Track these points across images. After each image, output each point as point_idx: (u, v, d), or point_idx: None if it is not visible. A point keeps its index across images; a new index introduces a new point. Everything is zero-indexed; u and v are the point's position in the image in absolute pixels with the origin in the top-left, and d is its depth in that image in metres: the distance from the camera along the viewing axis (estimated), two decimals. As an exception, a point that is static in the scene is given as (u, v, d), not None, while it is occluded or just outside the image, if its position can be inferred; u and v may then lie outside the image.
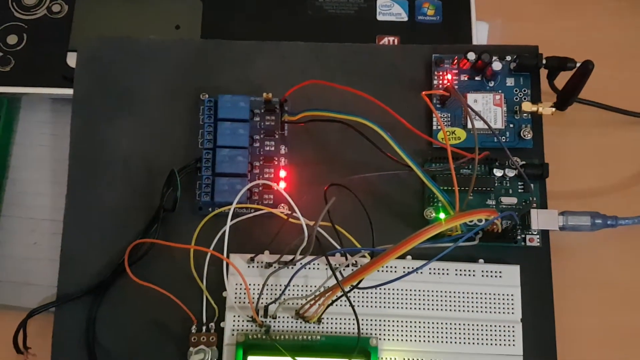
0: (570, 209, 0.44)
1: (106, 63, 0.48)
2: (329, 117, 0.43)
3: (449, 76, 0.47)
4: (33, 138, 0.50)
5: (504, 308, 0.43)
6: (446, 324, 0.42)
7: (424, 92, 0.44)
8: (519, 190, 0.45)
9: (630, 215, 0.45)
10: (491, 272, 0.43)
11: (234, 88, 0.47)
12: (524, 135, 0.46)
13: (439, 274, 0.43)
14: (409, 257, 0.43)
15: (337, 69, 0.48)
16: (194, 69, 0.48)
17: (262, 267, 0.43)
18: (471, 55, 0.46)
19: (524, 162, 0.45)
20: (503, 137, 0.46)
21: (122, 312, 0.44)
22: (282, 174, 0.45)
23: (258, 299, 0.42)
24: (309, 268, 0.43)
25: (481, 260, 0.44)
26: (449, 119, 0.47)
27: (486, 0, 0.52)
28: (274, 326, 0.42)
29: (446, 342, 0.42)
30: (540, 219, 0.43)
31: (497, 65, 0.45)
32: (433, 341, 0.42)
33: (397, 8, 0.51)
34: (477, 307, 0.43)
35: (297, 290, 0.43)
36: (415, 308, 0.42)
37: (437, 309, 0.42)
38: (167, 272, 0.44)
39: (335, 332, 0.42)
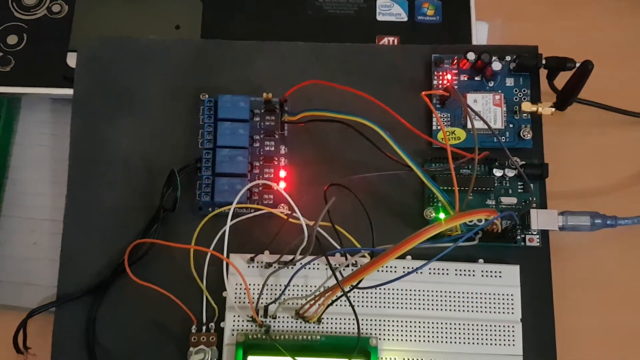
0: (569, 209, 0.44)
1: (106, 63, 0.48)
2: (329, 117, 0.43)
3: (449, 76, 0.47)
4: (33, 138, 0.50)
5: (503, 308, 0.43)
6: (446, 324, 0.42)
7: (423, 92, 0.44)
8: (519, 190, 0.45)
9: (629, 215, 0.45)
10: (491, 272, 0.43)
11: (234, 88, 0.47)
12: (524, 135, 0.46)
13: (438, 274, 0.43)
14: (408, 257, 0.43)
15: (337, 69, 0.48)
16: (194, 69, 0.48)
17: (262, 267, 0.43)
18: (471, 56, 0.46)
19: (523, 162, 0.45)
20: (503, 137, 0.46)
21: (122, 312, 0.44)
22: (282, 174, 0.45)
23: (258, 299, 0.42)
24: (309, 268, 0.43)
25: (481, 260, 0.44)
26: (449, 119, 0.47)
27: (486, 0, 0.52)
28: (274, 326, 0.42)
29: (446, 342, 0.42)
30: (539, 219, 0.43)
31: (496, 65, 0.46)
32: (433, 341, 0.42)
33: (396, 8, 0.51)
34: (476, 307, 0.43)
35: (297, 290, 0.43)
36: (415, 308, 0.42)
37: (437, 309, 0.43)
38: (167, 272, 0.44)
39: (335, 332, 0.42)
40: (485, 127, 0.45)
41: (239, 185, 0.44)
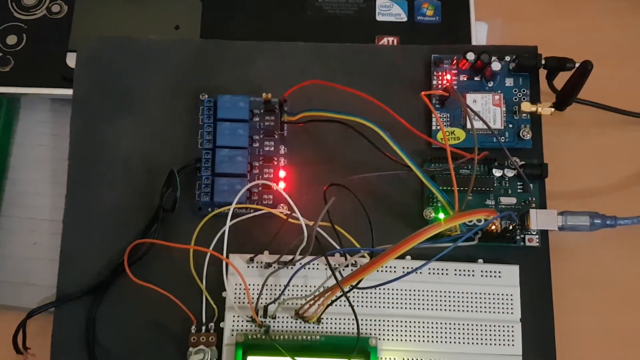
0: (569, 209, 0.44)
1: (106, 63, 0.48)
2: (329, 117, 0.44)
3: (448, 76, 0.47)
4: (33, 138, 0.50)
5: (503, 308, 0.43)
6: (445, 324, 0.42)
7: (423, 93, 0.44)
8: (518, 190, 0.45)
9: (629, 215, 0.45)
10: (490, 272, 0.43)
11: (234, 88, 0.47)
12: (523, 136, 0.46)
13: (438, 274, 0.43)
14: (408, 257, 0.43)
15: (337, 69, 0.48)
16: (193, 69, 0.48)
17: (261, 267, 0.43)
18: (470, 56, 0.46)
19: (523, 162, 0.45)
20: (502, 137, 0.46)
21: (121, 312, 0.44)
22: (282, 174, 0.45)
23: (257, 299, 0.42)
24: (309, 268, 0.43)
25: (480, 260, 0.44)
26: (448, 119, 0.47)
27: (485, 1, 0.52)
28: (274, 326, 0.42)
29: (445, 342, 0.42)
30: (539, 219, 0.43)
31: (496, 66, 0.46)
32: (432, 341, 0.42)
33: (396, 8, 0.51)
34: (476, 307, 0.43)
35: (297, 290, 0.43)
36: (414, 308, 0.43)
37: (436, 309, 0.43)
38: (167, 272, 0.44)
39: (335, 332, 0.42)
40: (485, 127, 0.45)
41: (239, 185, 0.44)
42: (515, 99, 0.47)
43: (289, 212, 0.43)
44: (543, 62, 0.46)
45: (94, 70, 0.48)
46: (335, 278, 0.38)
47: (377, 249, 0.39)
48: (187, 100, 0.47)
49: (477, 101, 0.46)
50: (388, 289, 0.43)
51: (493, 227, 0.43)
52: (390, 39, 0.51)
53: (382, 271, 0.43)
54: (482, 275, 0.43)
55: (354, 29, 0.51)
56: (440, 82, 0.47)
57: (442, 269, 0.43)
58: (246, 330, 0.42)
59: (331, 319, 0.42)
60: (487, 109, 0.46)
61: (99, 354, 0.43)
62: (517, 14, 0.54)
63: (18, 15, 0.51)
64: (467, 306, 0.43)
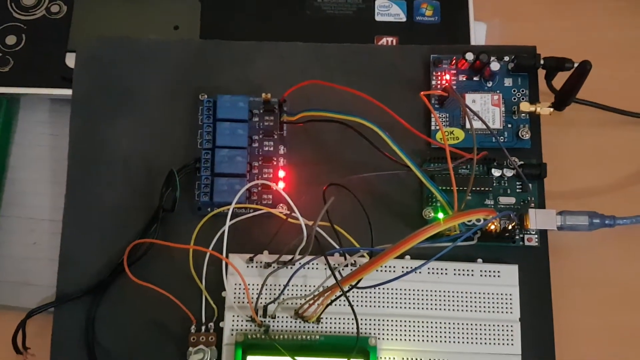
0: (568, 208, 0.44)
1: (105, 63, 0.48)
2: (328, 117, 0.44)
3: (447, 76, 0.47)
4: (32, 138, 0.50)
5: (502, 307, 0.43)
6: (445, 323, 0.42)
7: (422, 93, 0.44)
8: (517, 190, 0.46)
9: (628, 214, 0.45)
10: (490, 271, 0.43)
11: (233, 88, 0.47)
12: (522, 135, 0.46)
13: (437, 273, 0.43)
14: (407, 256, 0.43)
15: (336, 69, 0.48)
16: (193, 69, 0.48)
17: (261, 267, 0.43)
18: (469, 56, 0.46)
19: (522, 162, 0.45)
20: (501, 137, 0.46)
21: (121, 312, 0.44)
22: (281, 174, 0.45)
23: (257, 298, 0.42)
24: (308, 268, 0.43)
25: (480, 260, 0.44)
26: (448, 119, 0.47)
27: (484, 1, 0.52)
28: (273, 326, 0.42)
29: (445, 341, 0.42)
30: (538, 219, 0.43)
31: (495, 66, 0.46)
32: (432, 341, 0.42)
33: (395, 8, 0.51)
34: (475, 306, 0.43)
35: (296, 290, 0.43)
36: (414, 308, 0.43)
37: (435, 309, 0.43)
38: (167, 272, 0.44)
39: (334, 332, 0.42)
40: (484, 127, 0.45)
41: (238, 185, 0.44)
42: (514, 99, 0.47)
43: (288, 212, 0.43)
44: (542, 62, 0.46)
45: (93, 70, 0.48)
46: (335, 278, 0.38)
47: (376, 248, 0.40)
48: (187, 100, 0.47)
49: (476, 101, 0.47)
50: (387, 289, 0.43)
51: (492, 226, 0.43)
52: (389, 39, 0.51)
53: (381, 271, 0.43)
54: (481, 275, 0.43)
55: (353, 29, 0.51)
56: (439, 82, 0.47)
57: (442, 269, 0.43)
58: (246, 330, 0.42)
59: (331, 318, 0.42)
60: (486, 109, 0.46)
61: (98, 353, 0.43)
62: (516, 14, 0.54)
63: (17, 15, 0.51)
64: (467, 306, 0.43)
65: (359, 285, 0.38)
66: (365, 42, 0.50)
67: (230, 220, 0.42)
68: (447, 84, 0.47)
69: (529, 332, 0.43)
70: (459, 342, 0.42)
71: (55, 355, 0.43)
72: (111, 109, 0.47)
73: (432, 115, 0.46)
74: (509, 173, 0.45)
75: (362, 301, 0.43)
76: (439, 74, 0.47)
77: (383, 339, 0.42)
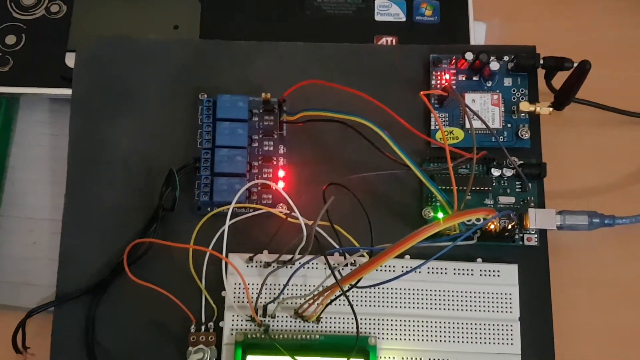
0: (567, 208, 0.44)
1: (105, 63, 0.48)
2: (328, 116, 0.44)
3: (447, 76, 0.47)
4: (32, 138, 0.50)
5: (502, 307, 0.43)
6: (445, 323, 0.42)
7: (422, 92, 0.44)
8: (517, 190, 0.46)
9: (627, 214, 0.45)
10: (489, 271, 0.43)
11: (233, 88, 0.47)
12: (522, 135, 0.46)
13: (437, 273, 0.43)
14: (407, 256, 0.43)
15: (336, 69, 0.48)
16: (193, 69, 0.48)
17: (260, 266, 0.43)
18: (469, 55, 0.46)
19: (521, 162, 0.45)
20: (501, 137, 0.46)
21: (121, 311, 0.44)
22: (281, 173, 0.45)
23: (257, 298, 0.42)
24: (308, 267, 0.43)
25: (479, 260, 0.44)
26: (447, 118, 0.47)
27: (484, 1, 0.52)
28: (273, 325, 0.42)
29: (445, 341, 0.42)
30: (537, 219, 0.43)
31: (494, 65, 0.46)
32: (432, 340, 0.42)
33: (395, 8, 0.51)
34: (475, 306, 0.43)
35: (296, 289, 0.43)
36: (413, 307, 0.43)
37: (435, 308, 0.43)
38: (166, 271, 0.44)
39: (334, 331, 0.42)
40: (484, 126, 0.45)
41: (238, 185, 0.44)
42: (514, 98, 0.47)
43: (288, 212, 0.43)
44: (541, 61, 0.46)
45: (93, 70, 0.48)
46: (335, 277, 0.38)
47: (376, 248, 0.40)
48: (187, 100, 0.47)
49: (476, 101, 0.47)
50: (387, 288, 0.43)
51: (492, 226, 0.43)
52: (389, 38, 0.51)
53: (381, 270, 0.43)
54: (481, 275, 0.43)
55: (352, 29, 0.51)
56: (439, 81, 0.47)
57: (441, 268, 0.43)
58: (245, 330, 0.42)
59: (330, 318, 0.42)
60: (485, 108, 0.46)
61: (98, 353, 0.43)
62: (515, 14, 0.54)
63: (17, 15, 0.51)
64: (466, 305, 0.43)
65: (358, 284, 0.38)
66: (365, 42, 0.50)
67: (230, 219, 0.42)
68: (446, 84, 0.47)
69: (528, 331, 0.43)
70: (458, 341, 0.42)
71: (55, 354, 0.43)
72: (111, 109, 0.47)
73: (432, 115, 0.46)
74: (508, 173, 0.45)
75: (361, 301, 0.43)
76: (439, 73, 0.48)
77: (383, 338, 0.42)
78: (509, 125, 0.47)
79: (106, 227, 0.45)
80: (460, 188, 0.43)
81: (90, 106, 0.47)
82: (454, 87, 0.47)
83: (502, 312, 0.43)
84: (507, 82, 0.47)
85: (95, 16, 0.51)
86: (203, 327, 0.43)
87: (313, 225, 0.37)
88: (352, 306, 0.39)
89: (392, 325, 0.42)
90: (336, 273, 0.38)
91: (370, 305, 0.43)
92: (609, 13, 0.54)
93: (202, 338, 0.42)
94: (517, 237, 0.44)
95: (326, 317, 0.42)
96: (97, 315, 0.44)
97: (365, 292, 0.43)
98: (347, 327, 0.42)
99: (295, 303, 0.42)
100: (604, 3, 0.54)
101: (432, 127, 0.47)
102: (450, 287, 0.43)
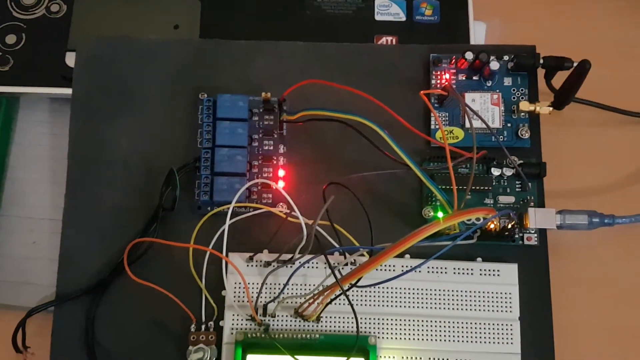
0: (567, 207, 0.44)
1: (105, 63, 0.48)
2: (328, 116, 0.44)
3: (447, 76, 0.47)
4: (32, 138, 0.50)
5: (502, 306, 0.43)
6: (445, 322, 0.42)
7: (422, 92, 0.44)
8: (517, 189, 0.46)
9: (627, 214, 0.45)
10: (489, 270, 0.43)
11: (233, 87, 0.47)
12: (522, 135, 0.46)
13: (437, 272, 0.43)
14: (407, 255, 0.43)
15: (336, 68, 0.48)
16: (193, 69, 0.48)
17: (261, 265, 0.43)
18: (469, 55, 0.46)
19: (521, 161, 0.45)
20: (501, 137, 0.46)
21: (121, 311, 0.44)
22: (281, 173, 0.45)
23: (257, 297, 0.42)
24: (308, 267, 0.43)
25: (479, 259, 0.44)
26: (447, 118, 0.47)
27: (484, 0, 0.52)
28: (273, 325, 0.42)
29: (445, 340, 0.42)
30: (537, 218, 0.43)
31: (494, 65, 0.46)
32: (432, 339, 0.42)
33: (395, 8, 0.51)
34: (475, 305, 0.43)
35: (296, 288, 0.43)
36: (413, 306, 0.43)
37: (435, 308, 0.43)
38: (166, 271, 0.44)
39: (334, 331, 0.42)
40: (484, 126, 0.45)
41: (238, 184, 0.44)
42: (514, 98, 0.47)
43: (288, 211, 0.43)
44: (541, 61, 0.46)
45: (93, 69, 0.48)
46: (335, 276, 0.38)
47: (376, 247, 0.40)
48: (187, 100, 0.47)
49: (476, 100, 0.47)
50: (387, 288, 0.43)
51: (492, 225, 0.43)
52: (389, 38, 0.51)
53: (381, 270, 0.43)
54: (480, 274, 0.43)
55: (352, 28, 0.51)
56: (439, 81, 0.47)
57: (441, 268, 0.43)
58: (246, 329, 0.42)
59: (330, 317, 0.42)
60: (485, 108, 0.46)
61: (98, 352, 0.43)
62: (515, 13, 0.54)
63: (17, 14, 0.51)
64: (466, 304, 0.43)
65: (358, 284, 0.38)
66: (365, 42, 0.50)
67: (230, 219, 0.42)
68: (446, 83, 0.47)
69: (528, 331, 0.43)
70: (458, 341, 0.42)
71: (55, 354, 0.43)
72: (111, 109, 0.47)
73: (432, 115, 0.46)
74: (508, 172, 0.45)
75: (361, 300, 0.43)
76: (439, 73, 0.48)
77: (383, 337, 0.42)
78: (508, 124, 0.47)
79: (106, 227, 0.45)
80: (460, 187, 0.43)
81: (91, 106, 0.47)
82: (454, 86, 0.47)
83: (502, 311, 0.43)
84: (507, 81, 0.47)
85: (96, 16, 0.51)
86: (203, 327, 0.43)
87: (313, 224, 0.37)
88: (352, 305, 0.39)
89: (392, 324, 0.42)
90: (336, 272, 0.38)
91: (370, 305, 0.43)
92: (609, 13, 0.54)
93: (202, 337, 0.42)
94: (517, 236, 0.44)
95: (326, 317, 0.42)
96: (97, 315, 0.44)
97: (365, 291, 0.43)
98: (347, 327, 0.42)
99: (296, 302, 0.42)
100: (604, 3, 0.54)
101: (432, 127, 0.47)
102: (450, 286, 0.43)
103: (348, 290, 0.39)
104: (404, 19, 0.51)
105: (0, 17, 0.50)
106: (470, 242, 0.44)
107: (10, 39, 0.50)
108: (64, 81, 0.48)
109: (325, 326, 0.42)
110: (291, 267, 0.42)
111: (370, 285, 0.40)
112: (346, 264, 0.43)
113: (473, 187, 0.45)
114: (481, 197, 0.45)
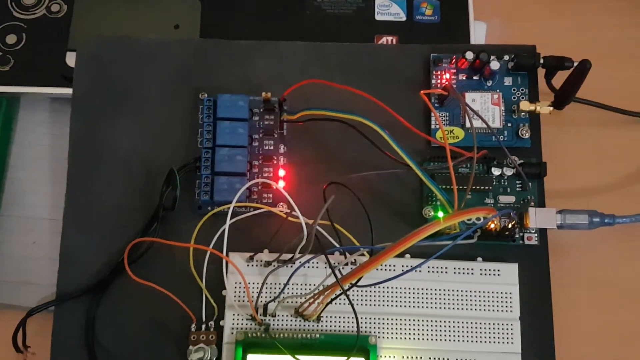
0: (568, 207, 0.44)
1: (105, 63, 0.48)
2: (328, 116, 0.44)
3: (447, 75, 0.47)
4: (32, 137, 0.50)
5: (502, 306, 0.43)
6: (445, 322, 0.42)
7: (422, 91, 0.44)
8: (517, 189, 0.46)
9: (627, 213, 0.45)
10: (489, 270, 0.43)
11: (233, 87, 0.47)
12: (522, 134, 0.46)
13: (437, 272, 0.43)
14: (407, 255, 0.43)
15: (336, 68, 0.48)
16: (193, 69, 0.48)
17: (261, 265, 0.43)
18: (469, 55, 0.46)
19: (521, 161, 0.45)
20: (501, 136, 0.46)
21: (121, 311, 0.44)
22: (281, 172, 0.45)
23: (257, 297, 0.42)
24: (308, 266, 0.43)
25: (479, 259, 0.44)
26: (448, 118, 0.47)
27: (484, 0, 0.52)
28: (273, 324, 0.42)
29: (445, 339, 0.42)
30: (538, 218, 0.43)
31: (495, 65, 0.46)
32: (432, 339, 0.42)
33: (395, 8, 0.51)
34: (475, 305, 0.43)
35: (296, 288, 0.43)
36: (414, 306, 0.43)
37: (435, 307, 0.43)
38: (167, 270, 0.44)
39: (335, 330, 0.42)
40: (484, 126, 0.45)
41: (238, 184, 0.44)
42: (514, 97, 0.47)
43: (288, 211, 0.43)
44: (542, 61, 0.46)
45: (93, 69, 0.48)
46: (335, 276, 0.38)
47: (376, 247, 0.40)
48: (187, 100, 0.47)
49: (476, 100, 0.47)
50: (387, 287, 0.43)
51: (492, 225, 0.43)
52: (389, 38, 0.51)
53: (381, 269, 0.43)
54: (481, 274, 0.43)
55: (353, 28, 0.51)
56: (439, 81, 0.47)
57: (441, 267, 0.43)
58: (246, 329, 0.42)
59: (331, 317, 0.42)
60: (486, 107, 0.46)
61: (98, 352, 0.43)
62: (515, 13, 0.54)
63: (17, 14, 0.51)
64: (466, 304, 0.43)
65: (359, 283, 0.38)
66: (365, 42, 0.50)
67: (231, 219, 0.42)
68: (447, 83, 0.47)
69: (528, 330, 0.43)
70: (459, 340, 0.42)
71: (56, 353, 0.43)
72: (112, 108, 0.47)
73: (432, 114, 0.46)
74: (508, 172, 0.45)
75: (362, 300, 0.43)
76: (439, 73, 0.48)
77: (383, 337, 0.42)
78: (509, 124, 0.47)
79: (106, 227, 0.45)
80: (461, 187, 0.43)
81: (91, 106, 0.47)
82: (454, 86, 0.47)
83: (502, 311, 0.43)
84: (508, 81, 0.47)
85: (96, 16, 0.51)
86: (203, 326, 0.43)
87: (313, 224, 0.37)
88: (352, 305, 0.39)
89: (392, 324, 0.42)
90: (336, 272, 0.38)
91: (370, 304, 0.43)
92: (609, 13, 0.54)
93: (203, 337, 0.42)
94: (517, 236, 0.44)
95: (326, 316, 0.42)
96: (97, 315, 0.44)
97: (366, 291, 0.43)
98: (348, 326, 0.42)
99: (296, 302, 0.42)
100: (604, 3, 0.54)
101: (433, 127, 0.47)
102: (450, 286, 0.43)
103: (348, 289, 0.39)
104: (404, 18, 0.51)
105: (1, 17, 0.50)
106: (471, 242, 0.44)
107: (11, 38, 0.50)
108: (65, 81, 0.48)
109: (326, 326, 0.42)
110: (291, 266, 0.42)
111: (370, 285, 0.40)
112: (346, 264, 0.43)
113: (473, 187, 0.45)
114: (481, 196, 0.45)
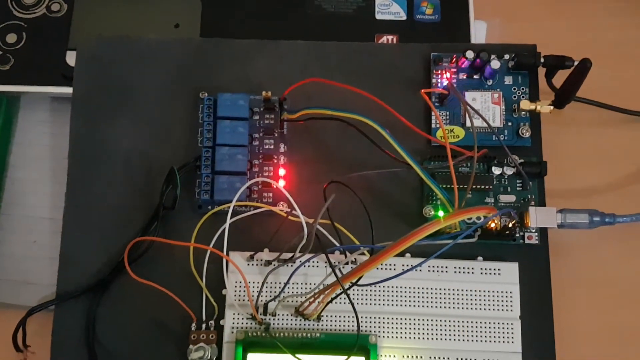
0: (568, 206, 0.44)
1: (105, 62, 0.48)
2: (328, 115, 0.44)
3: (448, 74, 0.47)
4: (32, 137, 0.50)
5: (502, 305, 0.43)
6: (445, 321, 0.42)
7: (423, 90, 0.44)
8: (518, 188, 0.46)
9: (628, 212, 0.45)
10: (490, 269, 0.43)
11: (234, 86, 0.47)
12: (522, 134, 0.46)
13: (438, 271, 0.43)
14: (407, 254, 0.43)
15: (336, 67, 0.48)
16: (193, 68, 0.48)
17: (261, 264, 0.43)
18: (469, 54, 0.46)
19: (522, 160, 0.45)
20: (501, 135, 0.46)
21: (121, 310, 0.44)
22: (282, 172, 0.45)
23: (257, 296, 0.42)
24: (309, 266, 0.43)
25: (480, 258, 0.44)
26: (448, 117, 0.47)
27: (484, 0, 0.52)
28: (274, 323, 0.42)
29: (445, 339, 0.42)
30: (538, 217, 0.43)
31: (495, 64, 0.46)
32: (432, 338, 0.42)
33: (395, 7, 0.51)
34: (476, 304, 0.43)
35: (297, 287, 0.43)
36: (414, 305, 0.43)
37: (436, 306, 0.43)
38: (167, 270, 0.44)
39: (335, 330, 0.42)
40: (484, 125, 0.45)
41: (239, 183, 0.44)
42: (515, 97, 0.47)
43: (288, 210, 0.43)
44: (542, 60, 0.46)
45: (93, 68, 0.48)
46: (336, 275, 0.38)
47: (376, 246, 0.40)
48: (187, 99, 0.47)
49: (477, 99, 0.47)
50: (388, 287, 0.43)
51: (492, 224, 0.43)
52: (390, 37, 0.51)
53: (381, 268, 0.43)
54: (481, 273, 0.43)
55: (353, 27, 0.51)
56: (439, 80, 0.47)
57: (442, 267, 0.43)
58: (246, 328, 0.42)
59: (331, 316, 0.42)
60: (486, 107, 0.46)
61: (99, 351, 0.43)
62: (515, 13, 0.54)
63: (18, 13, 0.51)
64: (467, 303, 0.43)
65: (359, 282, 0.38)
66: (366, 41, 0.50)
67: (231, 218, 0.42)
68: (447, 82, 0.47)
69: (529, 329, 0.43)
70: (459, 339, 0.42)
71: (56, 353, 0.43)
72: (112, 108, 0.47)
73: (433, 113, 0.46)
74: (509, 171, 0.45)
75: (362, 299, 0.43)
76: (439, 72, 0.48)
77: (383, 336, 0.42)
78: (509, 123, 0.47)
79: (107, 226, 0.45)
80: (461, 186, 0.43)
81: (91, 105, 0.47)
82: (455, 85, 0.47)
83: (502, 310, 0.43)
84: (508, 80, 0.47)
85: (96, 15, 0.51)
86: (204, 326, 0.43)
87: (314, 223, 0.37)
88: (352, 304, 0.39)
89: (392, 323, 0.42)
90: (337, 271, 0.38)
91: (371, 304, 0.43)
92: (609, 13, 0.54)
93: (203, 336, 0.42)
94: (517, 235, 0.44)
95: (327, 315, 0.42)
96: (97, 314, 0.43)
97: (366, 290, 0.43)
98: (348, 325, 0.42)
99: (296, 301, 0.42)
100: (604, 3, 0.54)
101: (433, 126, 0.47)
102: (450, 285, 0.43)
103: (349, 289, 0.39)
104: (404, 18, 0.51)
105: (1, 16, 0.51)
106: (471, 241, 0.44)
107: (11, 38, 0.50)
108: (65, 80, 0.48)
109: (326, 325, 0.42)
110: (292, 266, 0.42)
111: (371, 284, 0.40)
112: (347, 263, 0.43)
113: (474, 186, 0.45)
114: (482, 196, 0.45)
